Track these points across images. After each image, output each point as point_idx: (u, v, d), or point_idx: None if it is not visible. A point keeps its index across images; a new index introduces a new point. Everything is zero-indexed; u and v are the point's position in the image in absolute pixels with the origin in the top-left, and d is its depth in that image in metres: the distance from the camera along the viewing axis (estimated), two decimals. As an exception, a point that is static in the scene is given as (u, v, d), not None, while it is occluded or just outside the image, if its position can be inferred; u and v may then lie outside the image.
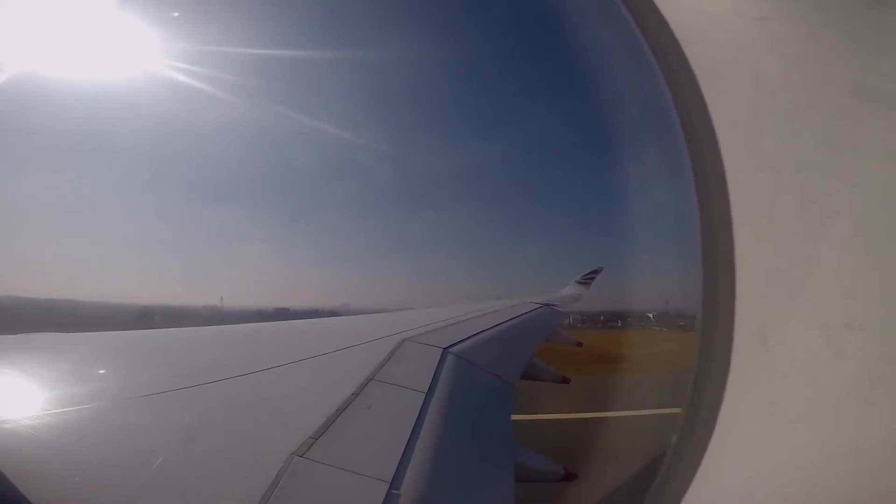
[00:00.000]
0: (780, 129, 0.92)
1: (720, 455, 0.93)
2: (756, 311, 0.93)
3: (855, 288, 0.88)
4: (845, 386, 0.88)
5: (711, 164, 0.95)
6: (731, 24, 0.94)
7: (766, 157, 0.93)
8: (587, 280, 8.40)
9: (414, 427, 1.88)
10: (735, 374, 0.92)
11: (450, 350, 3.13)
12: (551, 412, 6.21)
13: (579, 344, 5.74)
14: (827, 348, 0.87)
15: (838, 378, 0.88)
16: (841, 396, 0.88)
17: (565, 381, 4.53)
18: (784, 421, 0.91)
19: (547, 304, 6.34)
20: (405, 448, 1.68)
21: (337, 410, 1.88)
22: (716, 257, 0.96)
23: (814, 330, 0.88)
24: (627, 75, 1.57)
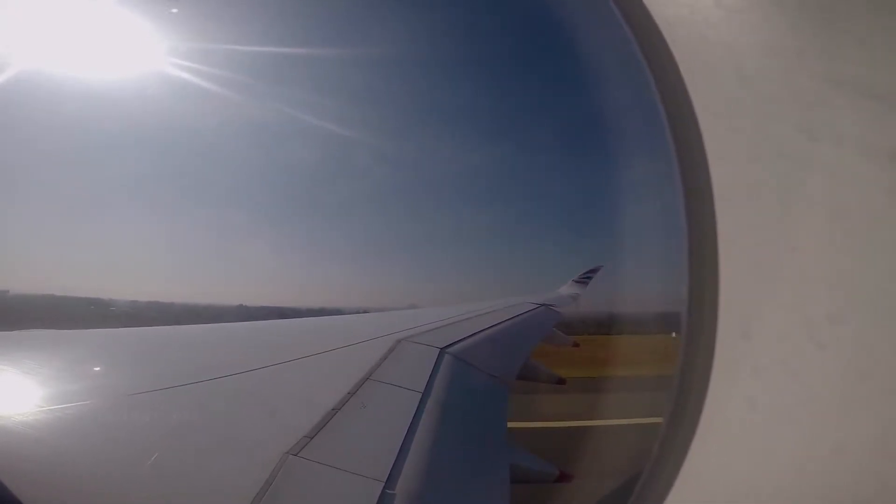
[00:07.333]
0: (760, 119, 0.93)
1: (704, 454, 0.93)
2: (740, 304, 0.93)
3: (835, 279, 0.89)
4: (828, 380, 0.88)
5: (696, 156, 0.96)
6: (713, 15, 0.95)
7: (746, 148, 0.94)
8: (585, 279, 8.40)
9: (409, 427, 1.88)
10: (718, 371, 0.93)
11: (446, 350, 3.13)
12: (537, 415, 6.19)
13: (576, 345, 5.76)
14: (809, 341, 0.88)
15: (821, 372, 0.88)
16: (823, 391, 0.88)
17: (561, 381, 4.54)
18: (767, 417, 0.91)
19: (544, 305, 6.35)
20: (400, 448, 1.68)
21: (332, 410, 1.88)
22: (702, 251, 0.96)
23: (796, 323, 0.89)
24: (614, 70, 1.58)
